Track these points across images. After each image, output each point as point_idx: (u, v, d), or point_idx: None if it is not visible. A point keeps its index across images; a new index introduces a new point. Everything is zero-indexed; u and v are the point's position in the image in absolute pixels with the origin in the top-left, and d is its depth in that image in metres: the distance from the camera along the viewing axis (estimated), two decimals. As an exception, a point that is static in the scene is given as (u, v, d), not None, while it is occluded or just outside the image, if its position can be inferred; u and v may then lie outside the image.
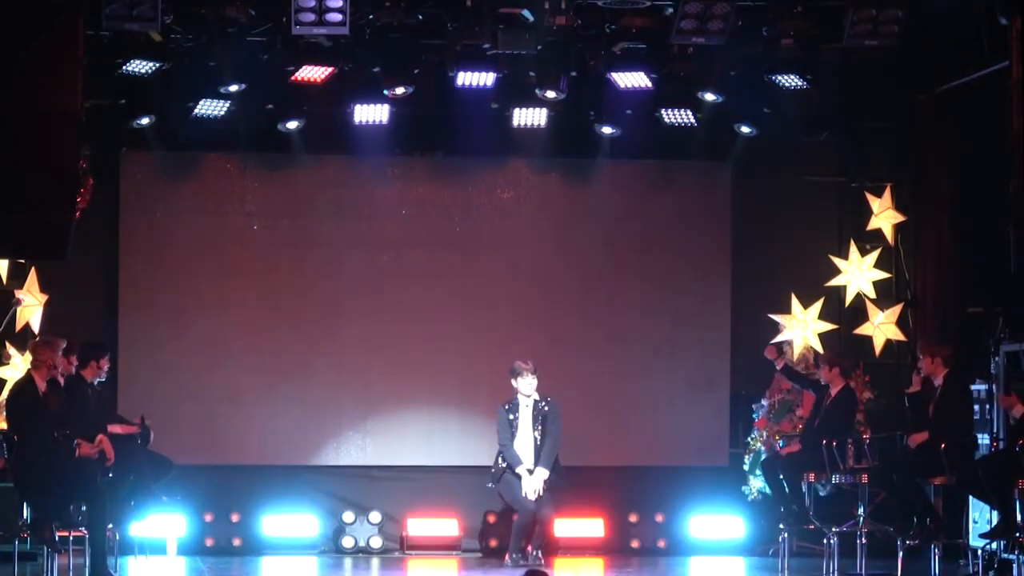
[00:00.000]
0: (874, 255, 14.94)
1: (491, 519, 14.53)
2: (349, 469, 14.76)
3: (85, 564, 11.70)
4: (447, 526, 14.64)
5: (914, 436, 12.40)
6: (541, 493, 13.49)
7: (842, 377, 13.18)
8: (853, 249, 14.96)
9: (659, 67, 13.58)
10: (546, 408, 13.68)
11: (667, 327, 14.91)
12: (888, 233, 15.00)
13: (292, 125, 14.13)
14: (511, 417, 13.64)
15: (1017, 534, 11.55)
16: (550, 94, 13.61)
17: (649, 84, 13.57)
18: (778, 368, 13.71)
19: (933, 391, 12.49)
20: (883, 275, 14.98)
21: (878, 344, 14.91)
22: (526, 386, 13.63)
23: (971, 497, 12.47)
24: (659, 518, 14.81)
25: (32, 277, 14.16)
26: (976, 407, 13.05)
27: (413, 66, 13.57)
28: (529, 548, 13.60)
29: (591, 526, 14.69)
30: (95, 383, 12.65)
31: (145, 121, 13.99)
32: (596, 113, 14.33)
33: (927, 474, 12.24)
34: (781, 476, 13.18)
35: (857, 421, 13.89)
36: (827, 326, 14.83)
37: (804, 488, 12.97)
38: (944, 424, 12.25)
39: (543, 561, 13.49)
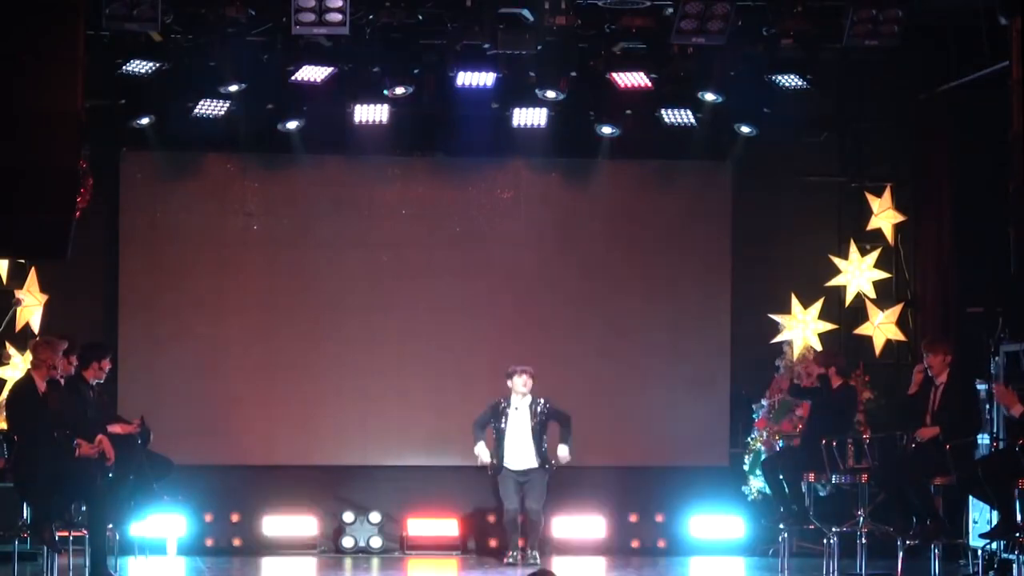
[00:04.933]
0: (874, 255, 14.94)
1: (491, 519, 14.53)
2: (349, 469, 14.76)
3: (85, 564, 11.71)
4: (447, 526, 14.64)
5: (923, 430, 12.35)
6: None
7: (839, 375, 13.19)
8: (853, 249, 14.97)
9: (659, 67, 13.58)
10: (547, 407, 13.75)
11: (667, 327, 14.91)
12: (888, 233, 15.01)
13: (292, 125, 14.14)
14: (501, 414, 13.71)
15: (1017, 534, 11.55)
16: (550, 94, 13.62)
17: (649, 84, 13.57)
18: (783, 388, 13.80)
19: (932, 390, 12.48)
20: (883, 275, 14.99)
21: (878, 344, 14.91)
22: (520, 384, 13.67)
23: (971, 497, 12.47)
24: (659, 518, 14.82)
25: (32, 277, 14.18)
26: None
27: (413, 66, 13.58)
28: (526, 547, 13.64)
29: (591, 526, 14.69)
30: (95, 383, 12.65)
31: (145, 121, 14.01)
32: (596, 113, 14.33)
33: (932, 474, 12.21)
34: (781, 476, 13.18)
35: (857, 421, 13.89)
36: (827, 326, 14.84)
37: (804, 488, 12.98)
38: (953, 423, 12.25)
39: (539, 561, 13.51)
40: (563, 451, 13.75)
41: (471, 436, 13.80)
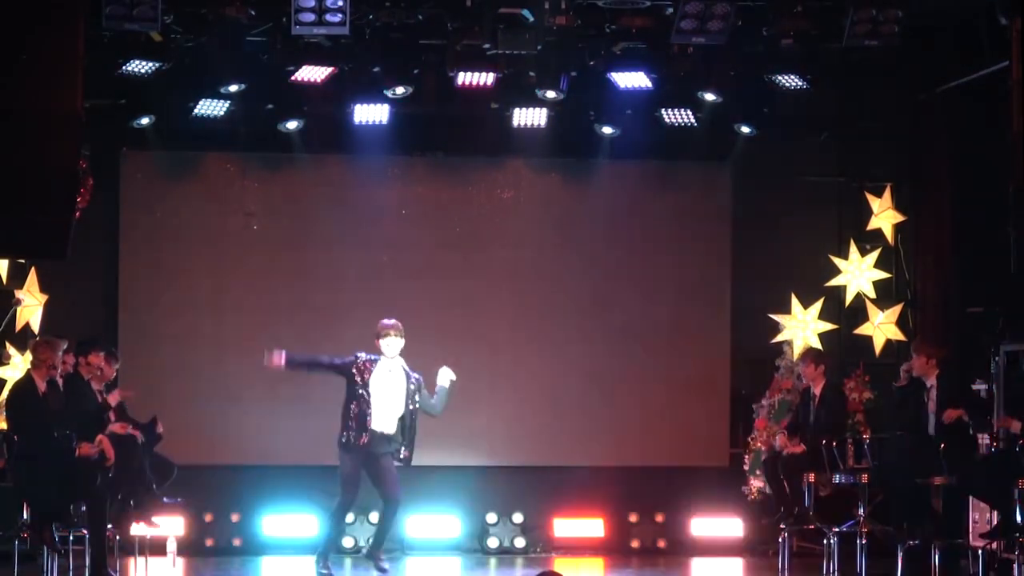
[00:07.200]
0: (874, 255, 14.95)
1: (491, 518, 14.52)
2: (349, 469, 14.73)
3: (85, 564, 11.70)
4: (448, 526, 14.63)
5: (949, 412, 12.20)
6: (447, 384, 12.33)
7: (823, 376, 13.21)
8: (853, 249, 14.98)
9: (659, 67, 13.58)
10: (417, 383, 12.28)
11: (667, 327, 14.91)
12: (888, 233, 15.02)
13: (292, 125, 14.15)
14: (362, 371, 12.25)
15: (1017, 534, 11.55)
16: (550, 94, 13.61)
17: (649, 84, 13.57)
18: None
19: (921, 389, 12.48)
20: (883, 275, 15.00)
21: (878, 344, 14.92)
22: (389, 348, 12.30)
23: (971, 497, 12.47)
24: (659, 518, 14.82)
25: (32, 277, 14.19)
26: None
27: (413, 66, 13.58)
28: (381, 556, 12.60)
29: (591, 526, 14.70)
30: (92, 379, 12.63)
31: (145, 121, 14.01)
32: (596, 113, 14.34)
33: (927, 474, 12.22)
34: (781, 476, 13.19)
35: (857, 421, 13.90)
36: (827, 326, 14.85)
37: (804, 488, 12.99)
38: (941, 425, 12.25)
39: (387, 569, 12.47)
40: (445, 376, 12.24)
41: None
